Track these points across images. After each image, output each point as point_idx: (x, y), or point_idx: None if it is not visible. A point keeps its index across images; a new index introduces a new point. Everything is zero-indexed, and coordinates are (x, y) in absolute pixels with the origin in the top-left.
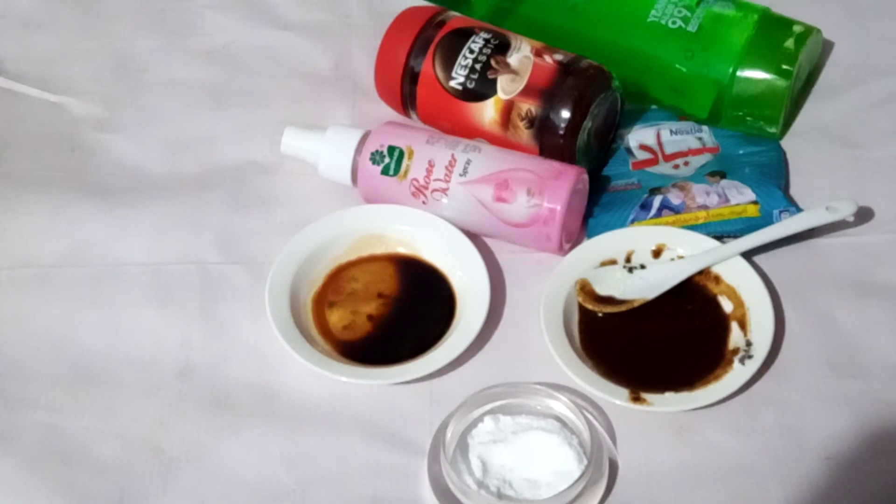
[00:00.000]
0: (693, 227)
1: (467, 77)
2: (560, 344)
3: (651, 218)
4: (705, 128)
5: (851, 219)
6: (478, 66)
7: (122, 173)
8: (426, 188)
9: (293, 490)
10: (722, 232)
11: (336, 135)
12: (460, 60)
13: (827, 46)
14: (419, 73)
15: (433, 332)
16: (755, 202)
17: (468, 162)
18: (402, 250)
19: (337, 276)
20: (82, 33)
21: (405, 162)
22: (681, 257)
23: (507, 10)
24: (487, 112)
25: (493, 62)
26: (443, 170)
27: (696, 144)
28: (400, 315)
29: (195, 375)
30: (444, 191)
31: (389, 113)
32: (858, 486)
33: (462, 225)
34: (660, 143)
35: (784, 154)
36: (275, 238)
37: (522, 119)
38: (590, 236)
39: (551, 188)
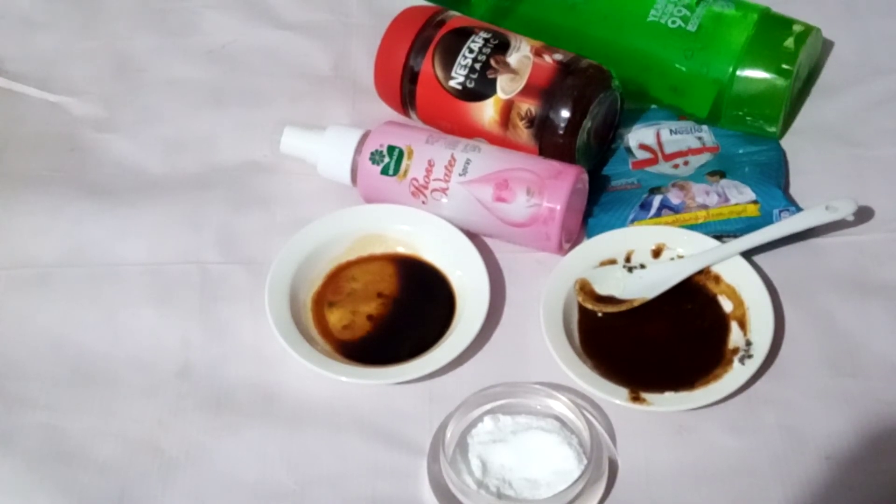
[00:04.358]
0: (693, 227)
1: (467, 77)
2: (560, 344)
3: (651, 217)
4: (705, 127)
5: (851, 218)
6: (477, 66)
7: (122, 173)
8: (426, 188)
9: (293, 490)
10: (722, 231)
11: (336, 134)
12: (460, 60)
13: (827, 46)
14: (419, 72)
15: (433, 332)
16: (755, 201)
17: (468, 161)
18: (402, 250)
19: (336, 276)
20: (82, 33)
21: (405, 162)
22: (681, 257)
23: (507, 9)
24: (487, 112)
25: (492, 62)
26: (442, 169)
27: (695, 144)
28: (399, 315)
29: (195, 375)
30: (443, 190)
31: (389, 113)
32: (858, 486)
33: (462, 224)
34: (659, 143)
35: (784, 153)
36: (275, 238)
37: (522, 119)
38: (589, 236)
39: (551, 188)
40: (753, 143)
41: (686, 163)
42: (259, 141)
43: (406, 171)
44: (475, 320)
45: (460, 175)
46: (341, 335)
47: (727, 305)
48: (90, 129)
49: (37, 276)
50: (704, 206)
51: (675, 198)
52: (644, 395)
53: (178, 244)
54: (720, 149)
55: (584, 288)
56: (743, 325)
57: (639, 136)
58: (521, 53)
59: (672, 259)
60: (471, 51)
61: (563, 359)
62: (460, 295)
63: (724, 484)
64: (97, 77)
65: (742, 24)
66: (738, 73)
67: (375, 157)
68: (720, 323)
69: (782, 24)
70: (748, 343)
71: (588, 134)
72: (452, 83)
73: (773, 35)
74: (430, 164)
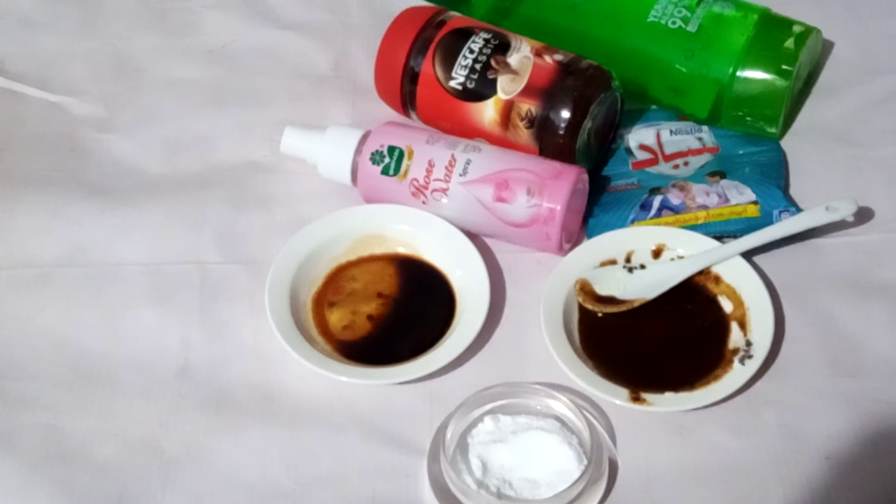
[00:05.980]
0: (693, 227)
1: (467, 77)
2: (560, 344)
3: (651, 218)
4: (705, 128)
5: (851, 219)
6: (478, 66)
7: (122, 173)
8: (426, 188)
9: (293, 490)
10: (722, 232)
11: (336, 134)
12: (460, 60)
13: (827, 46)
14: (419, 72)
15: (433, 332)
16: (755, 202)
17: (468, 162)
18: (402, 250)
19: (337, 276)
20: (82, 33)
21: (405, 162)
22: (681, 257)
23: (507, 9)
24: (487, 112)
25: (493, 62)
26: (443, 170)
27: (695, 144)
28: (400, 315)
29: (195, 375)
30: (444, 191)
31: (389, 113)
32: (858, 486)
33: (462, 225)
34: (660, 143)
35: (784, 154)
36: (274, 238)
37: (522, 119)
38: (590, 236)
39: (551, 188)
40: (753, 144)
41: (686, 163)
42: (259, 141)
43: (406, 172)
44: (475, 320)
45: (461, 175)
46: (341, 335)
47: (727, 306)
48: (90, 129)
49: (37, 276)
50: (704, 207)
51: (675, 198)
52: (644, 395)
53: (178, 244)
54: (720, 149)
55: (585, 288)
56: (743, 325)
57: (639, 137)
58: (521, 54)
59: (672, 259)
60: (471, 51)
61: (563, 359)
62: (460, 295)
63: (724, 484)
64: (97, 77)
65: (742, 24)
66: (738, 73)
67: (376, 158)
68: (720, 323)
69: (782, 24)
70: (748, 343)
71: (588, 134)
72: (453, 83)
73: (773, 36)
74: (431, 164)
